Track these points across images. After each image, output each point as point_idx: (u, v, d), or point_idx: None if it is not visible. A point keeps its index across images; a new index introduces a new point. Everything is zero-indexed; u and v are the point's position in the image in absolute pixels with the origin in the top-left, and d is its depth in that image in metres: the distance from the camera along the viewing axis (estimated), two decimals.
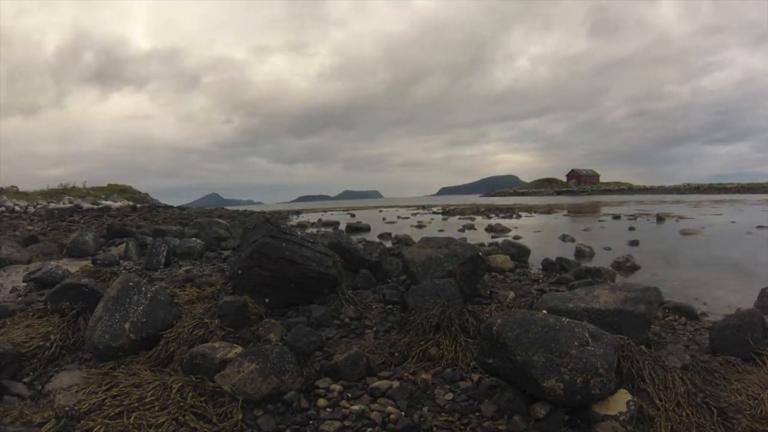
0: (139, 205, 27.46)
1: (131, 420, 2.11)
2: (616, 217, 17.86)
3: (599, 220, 17.11)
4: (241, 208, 38.69)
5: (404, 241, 9.85)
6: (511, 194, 77.21)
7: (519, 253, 7.35)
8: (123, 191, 33.14)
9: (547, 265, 6.72)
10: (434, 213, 24.91)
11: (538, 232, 12.91)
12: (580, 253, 8.05)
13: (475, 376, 2.62)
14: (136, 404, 2.22)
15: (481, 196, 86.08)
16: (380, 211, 30.98)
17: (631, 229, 12.82)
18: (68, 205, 22.84)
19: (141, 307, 3.10)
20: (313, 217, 23.26)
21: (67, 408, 2.23)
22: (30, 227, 13.33)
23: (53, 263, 5.51)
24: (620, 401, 2.09)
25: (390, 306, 4.06)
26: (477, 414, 2.28)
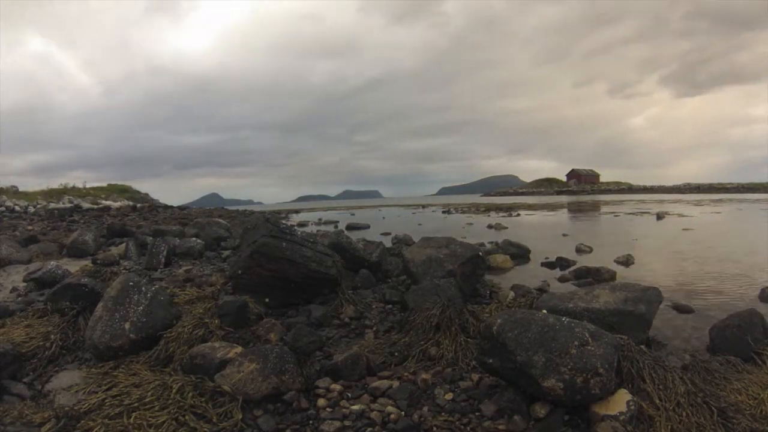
0: (139, 205, 27.50)
1: (131, 420, 2.11)
2: (616, 215, 17.88)
3: (599, 219, 17.12)
4: (241, 208, 38.73)
5: (404, 240, 9.83)
6: (511, 194, 77.14)
7: (519, 253, 7.36)
8: (123, 191, 33.18)
9: (547, 265, 6.73)
10: (434, 212, 24.94)
11: (538, 231, 12.91)
12: (580, 252, 8.05)
13: (475, 376, 2.62)
14: (136, 404, 2.23)
15: (481, 196, 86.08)
16: (380, 210, 31.00)
17: (631, 227, 12.82)
18: (68, 205, 22.85)
19: (141, 307, 3.10)
20: (313, 217, 23.29)
21: (67, 408, 2.24)
22: (30, 227, 13.32)
23: (53, 263, 5.51)
24: (620, 401, 2.09)
25: (390, 306, 4.06)
26: (477, 414, 2.28)
